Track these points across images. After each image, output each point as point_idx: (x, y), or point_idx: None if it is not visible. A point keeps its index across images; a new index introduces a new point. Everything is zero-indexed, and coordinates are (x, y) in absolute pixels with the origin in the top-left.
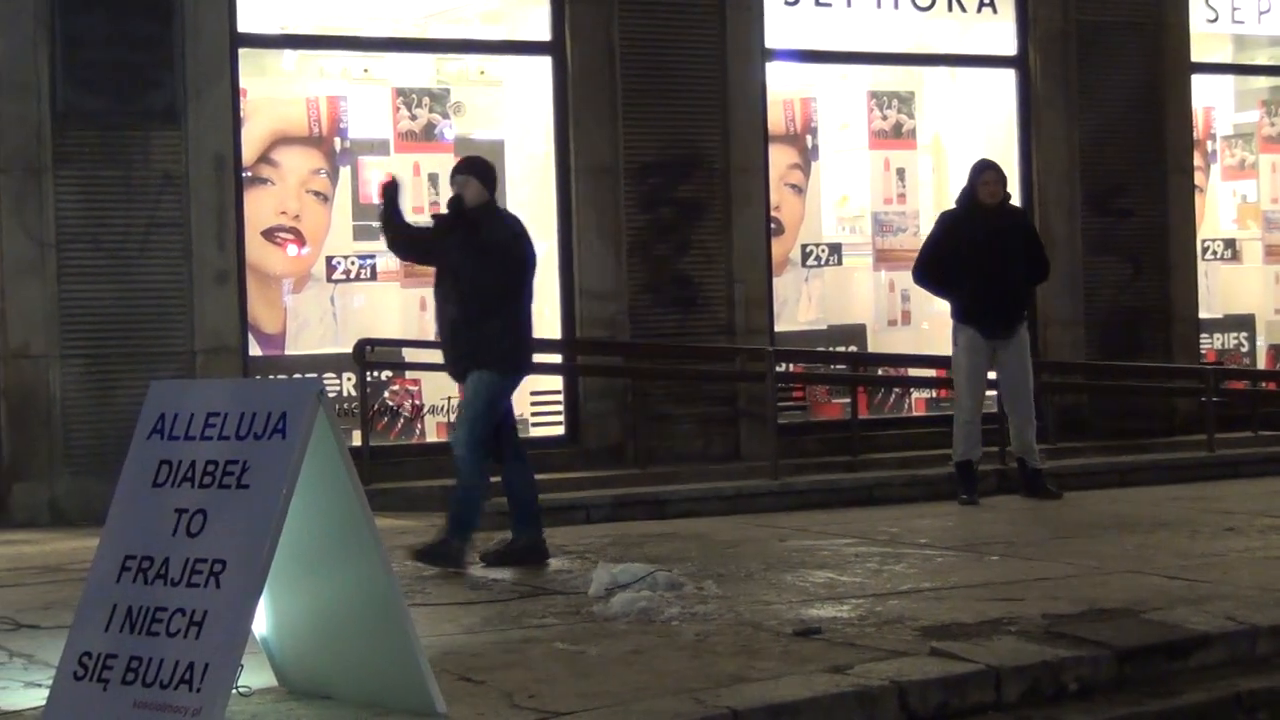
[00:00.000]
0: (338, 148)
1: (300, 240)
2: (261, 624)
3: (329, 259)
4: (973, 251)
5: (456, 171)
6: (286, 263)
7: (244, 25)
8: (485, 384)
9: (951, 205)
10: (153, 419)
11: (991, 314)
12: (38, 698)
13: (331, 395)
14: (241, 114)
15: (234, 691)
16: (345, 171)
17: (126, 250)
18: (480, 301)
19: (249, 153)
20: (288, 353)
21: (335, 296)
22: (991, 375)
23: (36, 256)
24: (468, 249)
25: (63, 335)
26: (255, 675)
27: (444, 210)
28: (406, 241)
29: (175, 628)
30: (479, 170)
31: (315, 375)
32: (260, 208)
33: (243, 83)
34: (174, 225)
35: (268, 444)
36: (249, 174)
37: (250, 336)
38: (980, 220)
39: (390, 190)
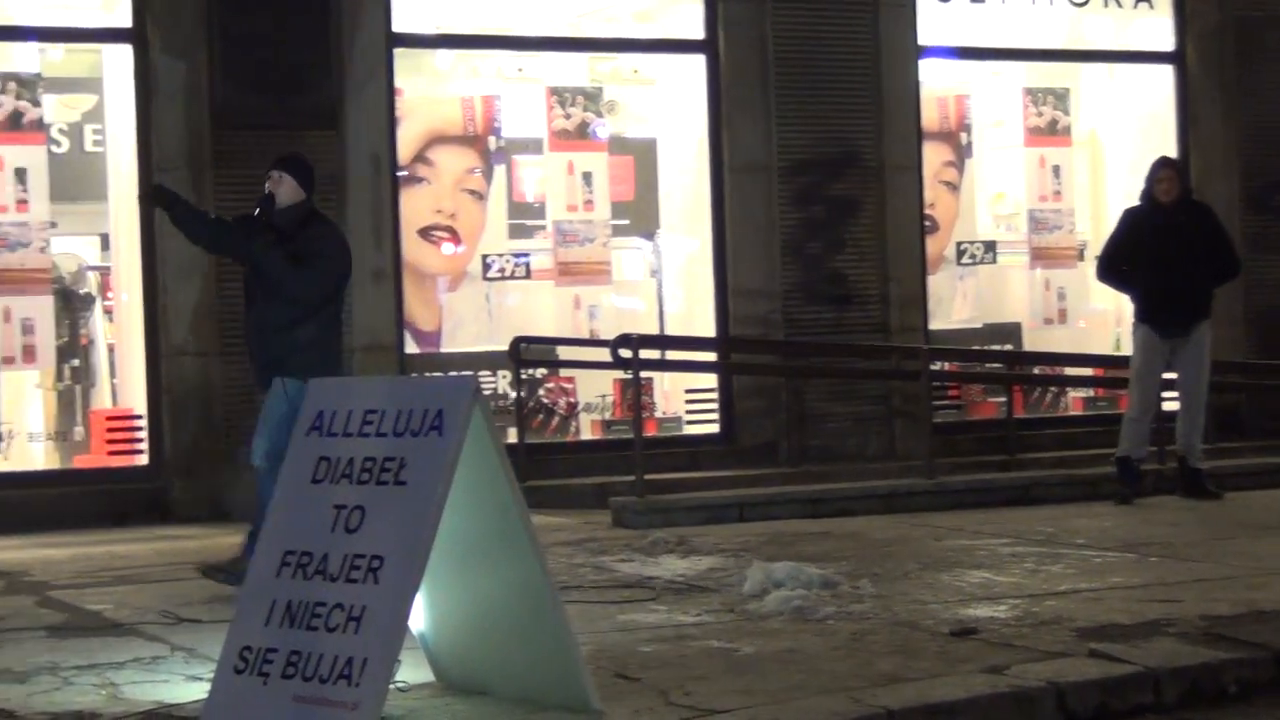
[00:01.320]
0: (492, 146)
1: (456, 238)
2: (419, 619)
3: (484, 257)
4: (1148, 249)
5: (272, 168)
6: (442, 261)
7: (399, 25)
8: (282, 397)
9: (1119, 204)
10: (312, 416)
11: (1166, 312)
12: (199, 691)
13: (486, 393)
14: (397, 113)
15: (391, 686)
16: (500, 170)
17: None
18: (290, 309)
19: (405, 152)
20: (443, 350)
21: (490, 294)
22: (1171, 375)
23: (197, 255)
24: (279, 254)
25: (223, 333)
26: (412, 671)
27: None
28: (210, 233)
29: (334, 623)
30: (295, 168)
31: (471, 373)
32: (416, 206)
33: (398, 82)
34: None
35: (424, 441)
36: (405, 173)
37: (406, 334)
38: (1158, 218)
39: (160, 197)
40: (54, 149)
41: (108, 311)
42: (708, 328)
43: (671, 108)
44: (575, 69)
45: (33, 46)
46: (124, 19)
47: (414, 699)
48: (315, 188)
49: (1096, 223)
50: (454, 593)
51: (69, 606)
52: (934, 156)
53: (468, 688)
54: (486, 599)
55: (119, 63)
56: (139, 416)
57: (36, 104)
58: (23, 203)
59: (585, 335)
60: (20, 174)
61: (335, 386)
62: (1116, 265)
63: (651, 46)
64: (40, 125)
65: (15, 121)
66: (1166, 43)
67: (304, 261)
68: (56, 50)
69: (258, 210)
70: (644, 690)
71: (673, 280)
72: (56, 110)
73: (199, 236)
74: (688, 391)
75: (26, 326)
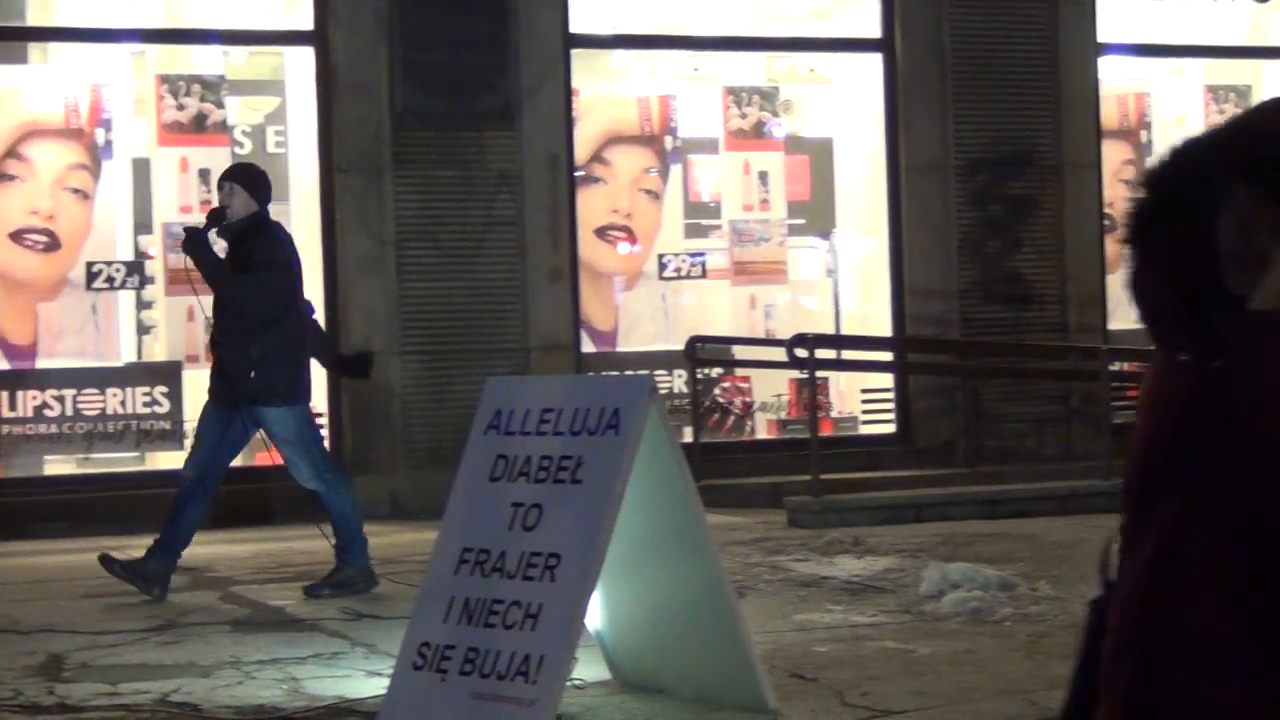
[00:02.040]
0: (668, 146)
1: (632, 238)
2: (595, 617)
3: (660, 256)
4: None
5: (222, 179)
6: (618, 260)
7: (576, 26)
8: (283, 423)
9: None
10: (489, 414)
11: None
12: (378, 686)
13: (662, 392)
14: (574, 113)
15: (568, 683)
16: (676, 170)
17: (463, 248)
18: (242, 324)
19: (581, 152)
20: (619, 349)
21: (666, 294)
22: None
23: (377, 254)
24: (226, 267)
25: (402, 331)
26: (589, 668)
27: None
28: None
29: (512, 620)
30: (246, 178)
31: (646, 372)
32: (592, 206)
33: (575, 83)
34: (509, 224)
35: (601, 439)
36: (581, 173)
37: (583, 333)
38: None
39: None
40: (237, 150)
41: None
42: (884, 327)
43: (848, 107)
44: (751, 68)
45: (217, 49)
46: (306, 22)
47: (590, 696)
48: (269, 197)
49: None
50: (630, 591)
51: (251, 602)
52: (1114, 154)
53: (643, 685)
54: (662, 597)
55: (301, 65)
56: (319, 414)
57: (220, 106)
58: (206, 203)
59: (761, 335)
60: (204, 175)
61: (512, 385)
62: None
63: (828, 45)
64: (224, 127)
65: (200, 123)
66: None
67: (248, 273)
68: (240, 53)
69: (206, 224)
70: (819, 690)
71: (849, 279)
72: (240, 112)
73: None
74: (864, 391)
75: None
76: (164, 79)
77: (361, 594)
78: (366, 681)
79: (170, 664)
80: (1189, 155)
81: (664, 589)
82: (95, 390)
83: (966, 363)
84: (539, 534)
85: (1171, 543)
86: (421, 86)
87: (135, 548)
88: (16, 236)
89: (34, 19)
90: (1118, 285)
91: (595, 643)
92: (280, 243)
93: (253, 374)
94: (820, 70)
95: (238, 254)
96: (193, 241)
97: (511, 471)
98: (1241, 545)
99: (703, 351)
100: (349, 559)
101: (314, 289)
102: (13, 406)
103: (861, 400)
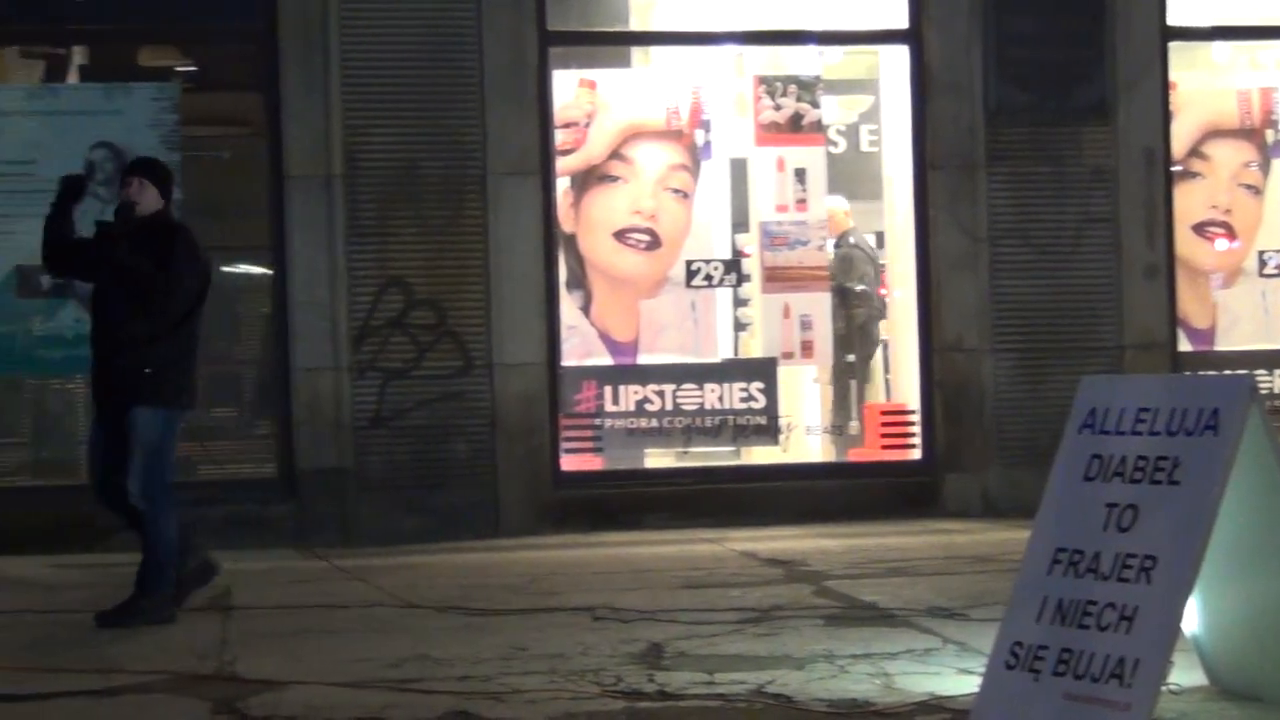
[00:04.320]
0: (1269, 140)
1: (1231, 234)
2: (1191, 621)
3: (1260, 253)
4: None
5: (129, 174)
6: (1216, 257)
7: (1173, 19)
8: (153, 424)
9: None
10: (1084, 413)
11: None
12: (969, 685)
13: (1263, 392)
14: (1171, 107)
15: (1163, 688)
16: (1277, 164)
17: (1057, 246)
18: (149, 323)
19: (1178, 146)
20: (1217, 348)
21: (1266, 291)
22: None
23: (969, 251)
24: (144, 261)
25: (994, 329)
26: (1185, 673)
27: (112, 218)
28: (66, 254)
29: (1105, 622)
30: (155, 174)
31: (1246, 371)
32: (1190, 201)
33: (1172, 76)
34: (1103, 220)
35: (1199, 440)
36: (1179, 168)
37: (1179, 331)
38: None
39: (73, 185)
40: (831, 149)
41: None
42: None
43: None
44: None
45: (812, 50)
46: (901, 20)
47: (1186, 702)
48: (171, 195)
49: None
50: (1228, 595)
51: (844, 596)
52: None
53: (1242, 693)
54: (1265, 604)
55: (895, 63)
56: (912, 411)
57: (815, 106)
58: (801, 202)
59: None
60: (800, 174)
61: (1107, 384)
62: None
63: None
64: (819, 126)
65: (795, 123)
66: None
67: (161, 275)
68: (835, 53)
69: (116, 221)
70: None
71: None
72: (835, 111)
73: (59, 250)
74: None
75: (805, 323)
76: (761, 80)
77: (155, 623)
78: (957, 679)
79: (765, 655)
80: None
81: (1267, 595)
82: (694, 385)
83: None
84: (1134, 535)
85: None
86: (1015, 83)
87: (732, 540)
88: (620, 236)
89: (636, 24)
90: None
91: (1191, 647)
92: (196, 245)
93: (147, 371)
94: None
95: (144, 252)
96: (73, 193)
97: (1106, 471)
98: None
99: None
100: (148, 588)
101: (907, 285)
102: (615, 401)
103: None
